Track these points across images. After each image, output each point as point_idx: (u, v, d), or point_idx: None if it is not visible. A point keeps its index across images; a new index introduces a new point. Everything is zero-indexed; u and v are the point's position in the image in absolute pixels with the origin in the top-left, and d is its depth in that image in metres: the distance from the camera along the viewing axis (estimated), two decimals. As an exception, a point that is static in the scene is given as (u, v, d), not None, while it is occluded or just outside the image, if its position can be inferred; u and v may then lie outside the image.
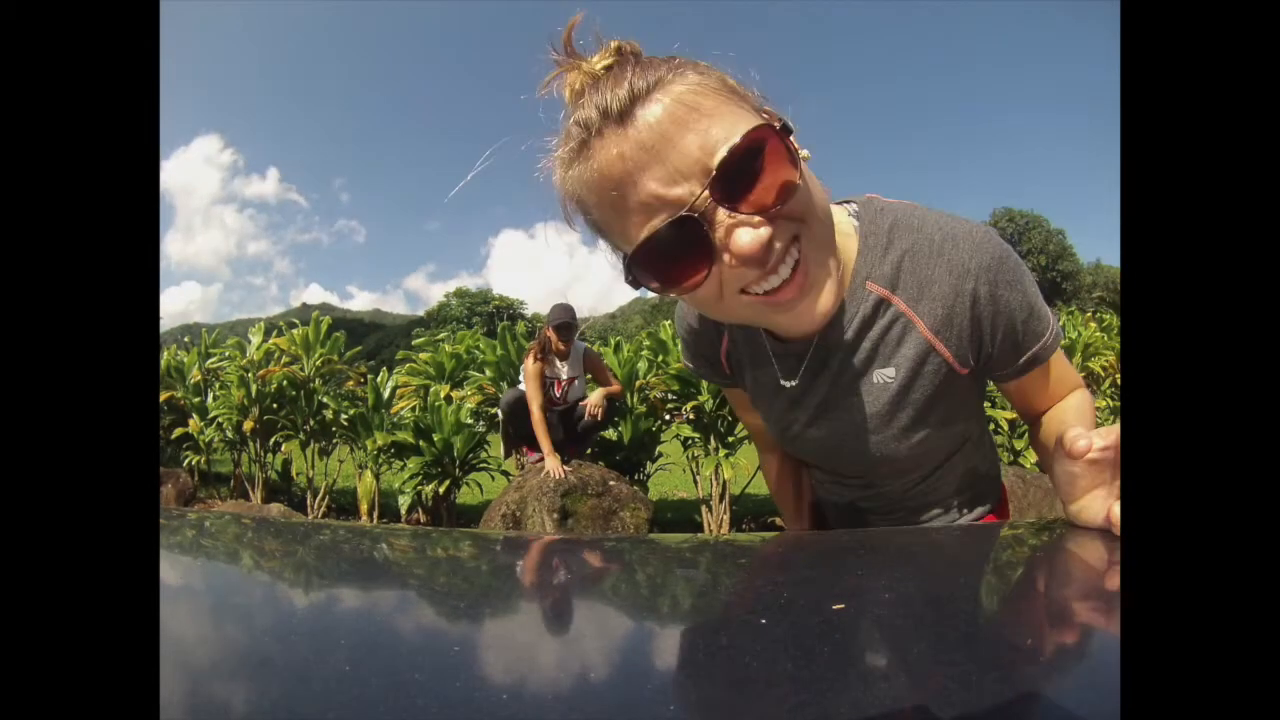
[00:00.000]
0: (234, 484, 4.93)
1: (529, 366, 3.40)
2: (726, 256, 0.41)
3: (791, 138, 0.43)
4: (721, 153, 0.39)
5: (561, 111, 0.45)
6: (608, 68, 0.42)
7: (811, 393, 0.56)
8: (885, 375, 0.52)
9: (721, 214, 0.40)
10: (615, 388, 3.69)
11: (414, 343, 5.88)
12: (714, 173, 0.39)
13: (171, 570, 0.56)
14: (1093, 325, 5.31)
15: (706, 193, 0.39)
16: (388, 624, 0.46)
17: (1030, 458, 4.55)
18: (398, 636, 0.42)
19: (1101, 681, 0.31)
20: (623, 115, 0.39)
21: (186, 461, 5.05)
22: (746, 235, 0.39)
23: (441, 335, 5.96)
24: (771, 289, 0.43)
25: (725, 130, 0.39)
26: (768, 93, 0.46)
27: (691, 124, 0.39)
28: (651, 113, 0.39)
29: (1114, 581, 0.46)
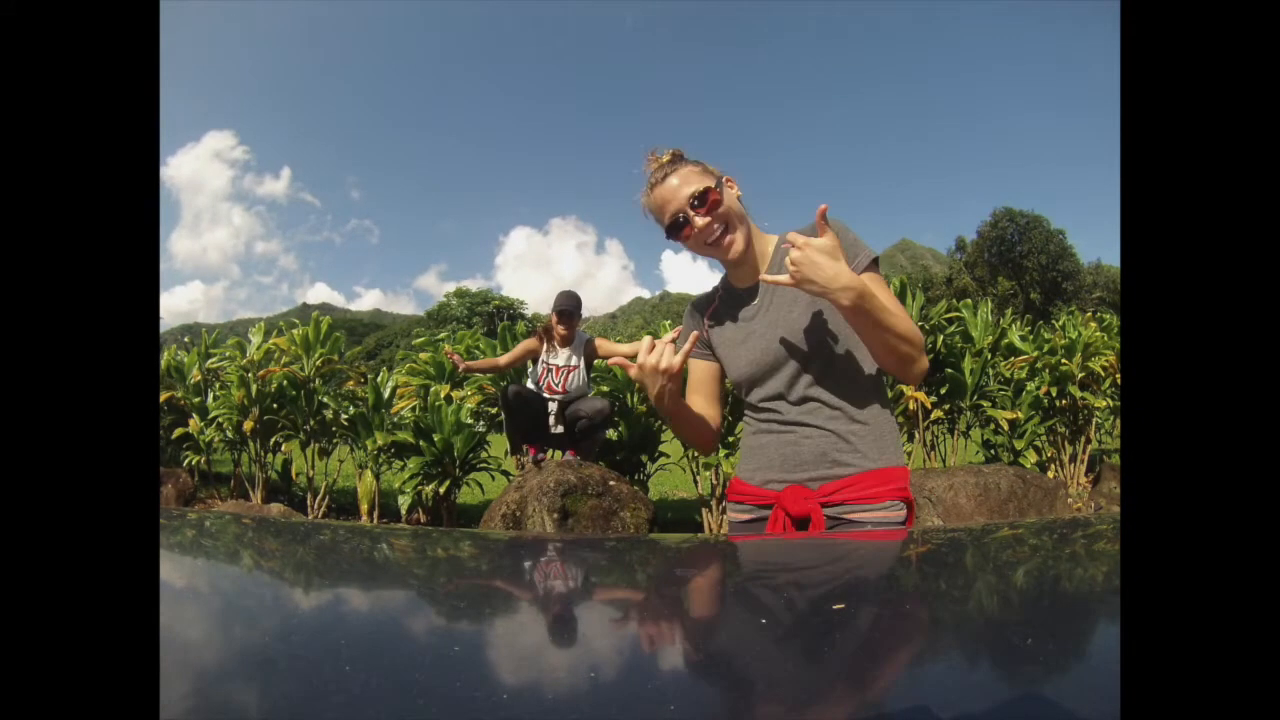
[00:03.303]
0: (234, 484, 4.92)
1: (527, 341, 3.68)
2: (695, 226, 1.09)
3: (728, 184, 1.11)
4: (689, 191, 1.09)
5: (645, 169, 1.15)
6: (668, 160, 1.12)
7: (762, 305, 1.16)
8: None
9: (693, 214, 1.09)
10: (624, 353, 3.58)
11: (414, 343, 5.85)
12: (689, 199, 1.08)
13: (172, 570, 0.56)
14: (1093, 325, 5.29)
15: (687, 205, 1.09)
16: (388, 624, 0.46)
17: (1030, 458, 4.55)
18: (397, 636, 0.42)
19: (1101, 681, 0.31)
20: (665, 178, 1.10)
21: (186, 461, 5.04)
22: (699, 221, 1.08)
23: (442, 335, 5.95)
24: (713, 242, 1.10)
25: (694, 185, 1.09)
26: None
27: (684, 183, 1.10)
28: (675, 178, 1.10)
29: (1114, 581, 0.46)
